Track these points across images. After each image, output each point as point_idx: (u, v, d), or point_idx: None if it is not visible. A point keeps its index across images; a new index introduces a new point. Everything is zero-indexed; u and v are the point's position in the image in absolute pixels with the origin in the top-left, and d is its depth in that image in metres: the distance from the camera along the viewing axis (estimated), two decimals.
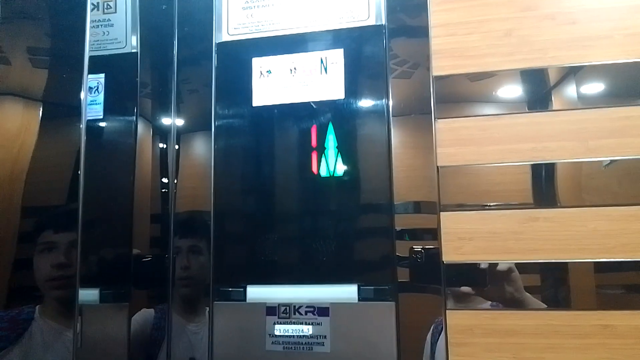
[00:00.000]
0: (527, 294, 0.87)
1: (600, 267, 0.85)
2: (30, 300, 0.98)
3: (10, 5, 1.02)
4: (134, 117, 1.08)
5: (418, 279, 0.90)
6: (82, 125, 0.94)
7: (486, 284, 0.88)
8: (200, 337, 0.99)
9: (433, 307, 0.89)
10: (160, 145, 1.08)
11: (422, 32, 0.98)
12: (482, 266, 0.89)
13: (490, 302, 0.88)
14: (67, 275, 0.98)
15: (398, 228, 0.93)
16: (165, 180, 1.06)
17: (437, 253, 0.90)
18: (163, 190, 1.06)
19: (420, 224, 0.92)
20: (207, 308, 0.99)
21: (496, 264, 0.88)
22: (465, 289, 0.89)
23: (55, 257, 0.97)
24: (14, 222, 0.95)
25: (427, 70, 0.96)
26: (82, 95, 0.94)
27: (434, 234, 0.91)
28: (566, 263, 0.86)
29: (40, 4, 1.03)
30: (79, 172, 0.94)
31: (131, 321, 1.01)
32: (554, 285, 0.87)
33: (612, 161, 0.87)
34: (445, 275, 0.90)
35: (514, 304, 0.88)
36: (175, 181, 1.04)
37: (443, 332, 0.88)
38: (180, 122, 1.06)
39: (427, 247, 0.91)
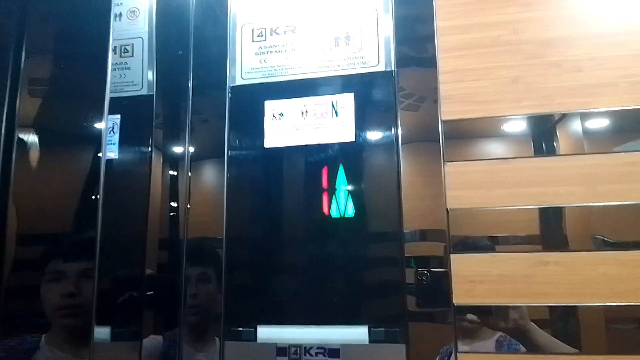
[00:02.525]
0: (532, 323, 0.87)
1: (610, 311, 0.86)
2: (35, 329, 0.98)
3: (35, 43, 1.06)
4: (148, 159, 1.10)
5: (429, 322, 0.91)
6: (102, 161, 0.97)
7: (492, 312, 0.88)
8: None
9: (444, 351, 0.89)
10: (174, 186, 1.09)
11: (431, 78, 1.00)
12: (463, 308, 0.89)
13: (498, 334, 0.88)
14: (78, 304, 0.98)
15: (408, 269, 0.93)
16: (175, 206, 1.07)
17: (447, 295, 0.90)
18: (172, 217, 1.07)
19: (431, 266, 0.93)
20: (217, 338, 0.99)
21: None
22: (471, 317, 0.88)
23: (66, 286, 0.97)
24: (22, 249, 0.97)
25: (436, 114, 0.98)
26: (102, 128, 0.98)
27: (444, 276, 0.91)
28: (576, 307, 0.87)
29: (64, 44, 1.07)
30: (97, 205, 0.96)
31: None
32: (565, 329, 0.87)
33: (619, 205, 0.88)
34: (456, 317, 0.90)
35: (520, 333, 0.88)
36: (188, 207, 1.06)
37: None
38: (194, 165, 1.08)
39: (437, 289, 0.91)
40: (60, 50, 1.09)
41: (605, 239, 0.88)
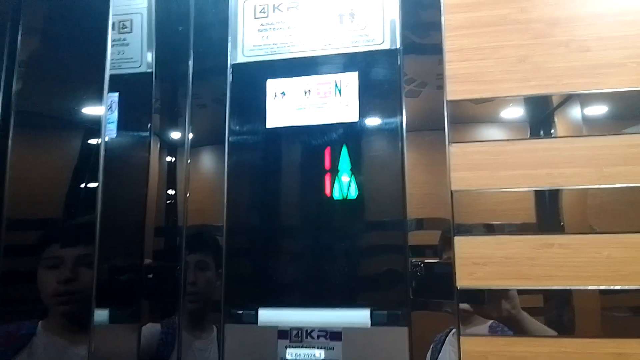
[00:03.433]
0: (525, 313, 0.87)
1: (614, 294, 0.85)
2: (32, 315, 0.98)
3: (32, 20, 1.03)
4: (148, 136, 1.08)
5: (431, 305, 0.90)
6: (102, 141, 0.95)
7: (484, 301, 0.88)
8: (207, 355, 0.98)
9: (447, 333, 0.89)
10: (174, 163, 1.08)
11: (436, 56, 0.98)
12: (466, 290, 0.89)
13: (490, 321, 0.87)
14: (76, 290, 0.97)
15: (411, 251, 0.92)
16: (173, 193, 1.06)
17: (450, 277, 0.90)
18: (170, 205, 1.06)
19: (434, 248, 0.92)
20: (215, 326, 0.98)
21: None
22: (464, 306, 0.88)
23: (63, 272, 0.96)
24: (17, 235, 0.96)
25: (442, 94, 0.96)
26: (102, 111, 0.96)
27: (447, 257, 0.91)
28: (580, 290, 0.86)
29: (62, 21, 1.04)
30: (97, 189, 0.95)
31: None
32: (568, 312, 0.86)
33: (625, 188, 0.87)
34: (459, 300, 0.89)
35: (512, 322, 0.88)
36: (187, 195, 1.04)
37: (443, 352, 0.88)
38: (194, 141, 1.07)
39: (441, 271, 0.90)
40: (59, 27, 1.06)
41: (611, 222, 0.87)
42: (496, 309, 0.88)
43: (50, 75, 1.06)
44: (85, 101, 1.03)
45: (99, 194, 0.98)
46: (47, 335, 0.97)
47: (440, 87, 0.97)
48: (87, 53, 1.04)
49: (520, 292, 0.88)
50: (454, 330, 0.89)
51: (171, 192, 1.06)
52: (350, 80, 1.01)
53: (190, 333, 1.00)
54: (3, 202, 1.00)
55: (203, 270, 1.02)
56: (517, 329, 0.87)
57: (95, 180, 0.98)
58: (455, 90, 0.97)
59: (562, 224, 0.89)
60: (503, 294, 0.88)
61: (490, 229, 0.91)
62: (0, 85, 1.03)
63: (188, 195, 1.04)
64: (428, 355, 0.89)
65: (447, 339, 0.89)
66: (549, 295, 0.87)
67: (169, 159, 1.08)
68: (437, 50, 0.98)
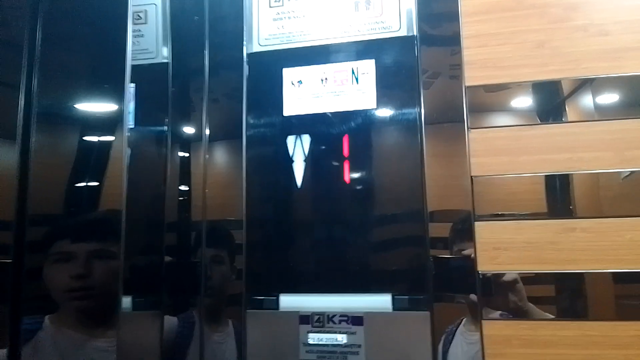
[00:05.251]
0: (531, 304, 0.87)
1: (636, 277, 0.85)
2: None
3: (52, 16, 1.04)
4: (165, 127, 1.08)
5: (453, 289, 0.90)
6: (125, 134, 0.95)
7: (492, 293, 0.88)
8: (224, 348, 0.99)
9: (472, 311, 0.89)
10: (191, 154, 1.08)
11: (454, 42, 0.98)
12: (488, 276, 0.88)
13: (499, 312, 0.87)
14: (90, 286, 0.98)
15: (431, 237, 0.92)
16: (191, 188, 1.06)
17: (471, 262, 0.90)
18: (185, 198, 1.06)
19: (454, 234, 0.92)
20: (231, 320, 0.98)
21: (502, 275, 0.88)
22: (473, 297, 0.88)
23: (81, 266, 0.97)
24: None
25: (460, 80, 0.96)
26: (124, 104, 0.96)
27: (468, 243, 0.90)
28: (604, 273, 0.86)
29: (82, 14, 1.04)
30: (121, 181, 0.95)
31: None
32: (591, 296, 0.86)
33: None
34: (481, 285, 0.89)
35: (519, 314, 0.88)
36: (207, 190, 1.05)
37: (454, 342, 0.88)
38: (210, 131, 1.07)
39: (461, 256, 0.90)
40: (78, 21, 1.06)
41: (632, 205, 0.87)
42: (517, 294, 0.88)
43: (69, 68, 1.06)
44: (105, 94, 1.03)
45: (123, 188, 0.98)
46: (57, 329, 0.97)
47: (458, 73, 0.96)
48: (107, 45, 1.04)
49: (542, 276, 0.88)
50: (465, 320, 0.89)
51: (187, 184, 1.06)
52: (367, 68, 1.01)
53: (208, 326, 1.00)
54: (27, 199, 1.00)
55: (221, 264, 1.02)
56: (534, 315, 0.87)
57: (118, 175, 0.99)
58: (473, 76, 0.97)
59: (583, 208, 0.89)
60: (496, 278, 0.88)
61: (510, 214, 0.90)
62: (21, 80, 1.03)
63: (206, 185, 1.04)
64: (440, 346, 0.89)
65: (458, 330, 0.89)
66: (571, 280, 0.87)
67: (185, 149, 1.08)
68: (454, 36, 0.98)
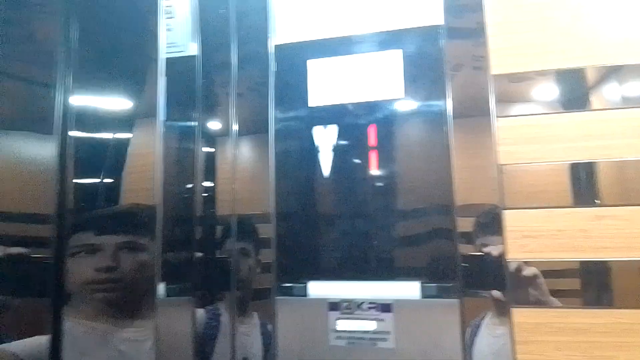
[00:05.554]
0: (553, 298, 0.87)
1: None
2: None
3: (85, 13, 1.07)
4: (194, 121, 1.10)
5: (481, 277, 0.90)
6: (159, 129, 0.97)
7: (520, 282, 0.88)
8: (251, 339, 1.00)
9: (497, 305, 0.89)
10: (218, 147, 1.10)
11: (479, 31, 0.98)
12: (516, 264, 0.89)
13: (538, 293, 0.88)
14: (117, 278, 1.00)
15: (460, 225, 0.93)
16: (217, 178, 1.08)
17: (500, 250, 0.90)
18: (212, 186, 1.08)
19: (483, 222, 0.92)
20: (256, 313, 1.00)
21: (521, 269, 0.88)
22: (526, 272, 0.88)
23: (108, 259, 0.99)
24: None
25: (486, 69, 0.96)
26: (157, 97, 0.98)
27: (497, 231, 0.91)
28: (634, 261, 0.85)
29: (114, 10, 1.07)
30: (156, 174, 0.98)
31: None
32: (623, 283, 0.86)
33: None
34: (510, 273, 0.89)
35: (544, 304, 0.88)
36: (235, 180, 1.06)
37: (479, 336, 0.88)
38: (238, 124, 1.08)
39: (490, 244, 0.90)
40: (110, 17, 1.09)
41: None
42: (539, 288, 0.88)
43: (104, 65, 1.09)
44: (138, 89, 1.05)
45: (159, 181, 1.00)
46: (77, 321, 1.00)
47: (484, 62, 0.96)
48: (139, 40, 1.07)
49: (572, 264, 0.87)
50: (490, 314, 0.89)
51: (212, 177, 1.08)
52: (394, 58, 1.02)
53: (236, 318, 1.02)
54: (66, 194, 1.03)
55: (249, 257, 1.04)
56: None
57: (151, 168, 1.01)
58: (500, 64, 0.96)
59: (612, 195, 0.88)
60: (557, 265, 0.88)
61: (540, 203, 0.90)
62: (57, 77, 1.06)
63: (235, 175, 1.06)
64: (466, 339, 0.89)
65: (483, 323, 0.89)
66: (602, 267, 0.86)
67: (212, 142, 1.10)
68: (480, 24, 0.98)
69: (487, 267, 0.90)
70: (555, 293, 0.88)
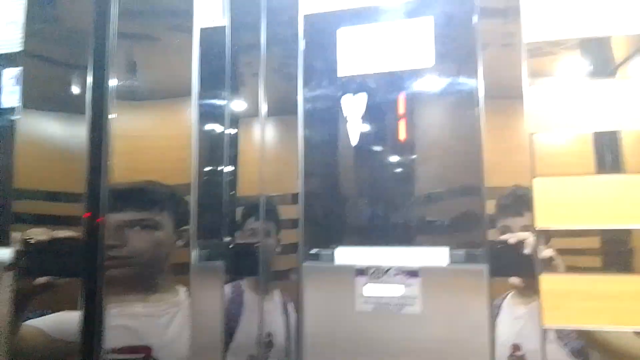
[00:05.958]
0: (581, 265, 0.87)
1: None
2: None
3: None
4: (224, 94, 1.12)
5: (510, 244, 0.90)
6: (194, 110, 1.00)
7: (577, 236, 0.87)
8: (274, 316, 1.02)
9: (526, 271, 0.89)
10: (247, 121, 1.11)
11: None
12: (546, 232, 0.88)
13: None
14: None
15: (488, 191, 0.92)
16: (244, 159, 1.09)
17: (530, 219, 0.89)
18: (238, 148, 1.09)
19: (513, 188, 0.92)
20: (280, 290, 1.02)
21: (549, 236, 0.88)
22: (555, 240, 0.88)
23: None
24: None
25: (519, 37, 0.95)
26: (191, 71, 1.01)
27: (527, 199, 0.90)
28: None
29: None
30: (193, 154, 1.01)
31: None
32: None
33: None
34: (538, 241, 0.89)
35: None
36: (264, 152, 1.07)
37: (500, 316, 0.88)
38: (267, 95, 1.09)
39: (519, 212, 0.90)
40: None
41: None
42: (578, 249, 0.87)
43: (142, 43, 1.12)
44: (171, 62, 1.08)
45: (195, 161, 1.03)
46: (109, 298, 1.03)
47: (518, 28, 0.95)
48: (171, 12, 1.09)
49: (604, 232, 0.87)
50: (511, 293, 0.89)
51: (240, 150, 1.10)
52: (425, 25, 1.01)
53: (257, 294, 1.03)
54: (99, 172, 1.06)
55: (270, 236, 1.05)
56: None
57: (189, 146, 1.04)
58: (532, 32, 0.95)
59: None
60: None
61: (572, 170, 0.89)
62: (89, 59, 1.10)
63: (264, 139, 1.07)
64: (493, 305, 0.89)
65: (504, 303, 0.89)
66: (635, 234, 0.86)
67: (242, 111, 1.11)
68: None
69: (516, 234, 0.90)
70: (583, 260, 0.87)
